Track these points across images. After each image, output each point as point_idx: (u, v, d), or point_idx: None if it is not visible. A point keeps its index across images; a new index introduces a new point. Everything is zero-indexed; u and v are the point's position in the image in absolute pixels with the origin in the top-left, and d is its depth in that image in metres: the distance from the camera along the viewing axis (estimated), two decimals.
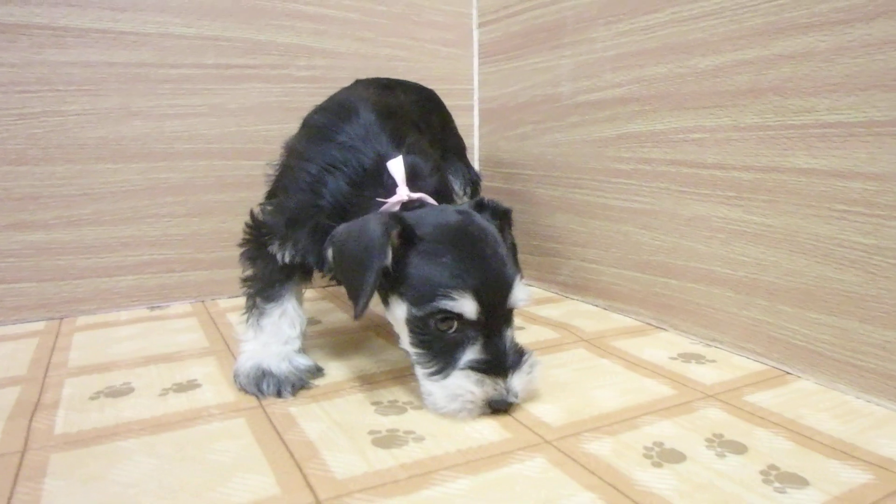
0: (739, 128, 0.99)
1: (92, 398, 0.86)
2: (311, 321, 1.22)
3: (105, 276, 1.29)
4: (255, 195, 1.38)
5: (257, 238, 0.97)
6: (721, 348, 1.05)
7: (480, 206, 0.91)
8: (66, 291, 1.26)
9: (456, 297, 0.76)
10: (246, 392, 0.88)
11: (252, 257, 0.98)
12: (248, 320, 0.96)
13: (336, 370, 0.97)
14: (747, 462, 0.69)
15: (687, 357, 1.01)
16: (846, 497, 0.63)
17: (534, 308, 1.30)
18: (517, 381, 0.80)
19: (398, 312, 0.82)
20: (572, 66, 1.31)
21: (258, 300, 0.96)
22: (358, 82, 1.21)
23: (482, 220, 0.86)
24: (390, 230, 0.77)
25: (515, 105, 1.52)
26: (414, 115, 1.09)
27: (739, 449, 0.72)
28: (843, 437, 0.75)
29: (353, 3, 1.47)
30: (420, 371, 0.82)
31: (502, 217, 0.93)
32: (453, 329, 0.79)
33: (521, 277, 0.84)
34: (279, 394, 0.87)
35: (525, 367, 0.81)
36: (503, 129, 1.58)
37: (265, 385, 0.87)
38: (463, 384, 0.78)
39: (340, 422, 0.79)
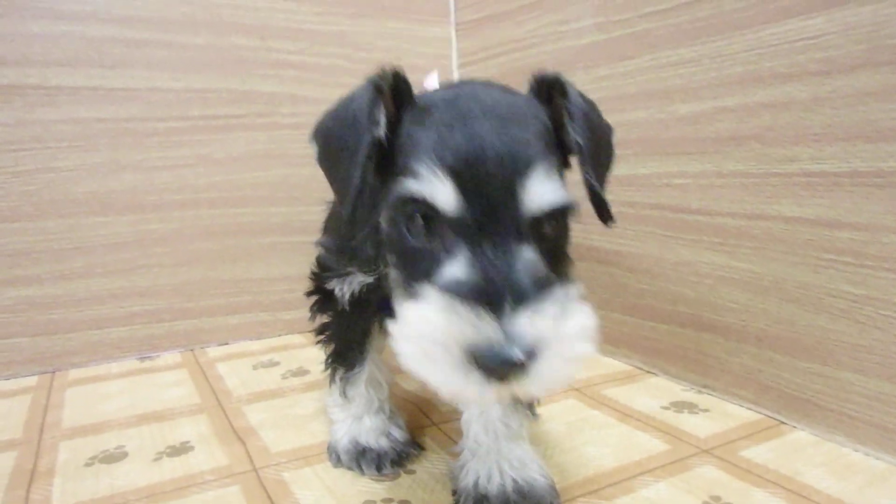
0: (723, 174, 0.99)
1: (87, 464, 0.86)
2: (301, 371, 1.22)
3: (96, 328, 1.29)
4: (241, 242, 1.40)
5: (318, 278, 0.83)
6: (713, 395, 1.04)
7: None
8: (58, 345, 1.26)
9: (423, 172, 0.52)
10: (344, 467, 0.84)
11: (320, 309, 0.87)
12: (330, 385, 0.89)
13: (327, 427, 0.96)
14: None
15: (679, 406, 1.01)
16: None
17: None
18: (525, 320, 0.48)
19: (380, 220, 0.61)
20: None
21: (339, 367, 0.87)
22: None
23: (510, 91, 0.63)
24: (379, 85, 0.59)
25: None
26: None
27: None
28: (841, 497, 0.74)
29: (336, 51, 1.47)
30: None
31: (550, 87, 0.63)
32: (427, 232, 0.54)
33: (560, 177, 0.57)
34: (379, 469, 0.82)
35: (549, 304, 0.50)
36: None
37: (364, 462, 0.83)
38: (427, 315, 0.50)
39: (333, 489, 0.79)
